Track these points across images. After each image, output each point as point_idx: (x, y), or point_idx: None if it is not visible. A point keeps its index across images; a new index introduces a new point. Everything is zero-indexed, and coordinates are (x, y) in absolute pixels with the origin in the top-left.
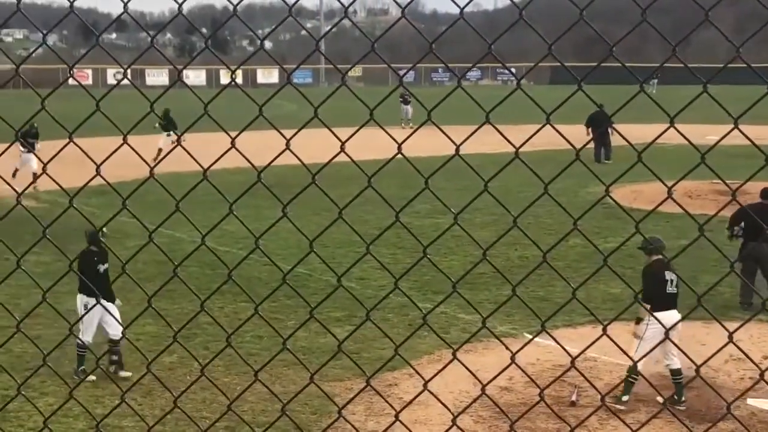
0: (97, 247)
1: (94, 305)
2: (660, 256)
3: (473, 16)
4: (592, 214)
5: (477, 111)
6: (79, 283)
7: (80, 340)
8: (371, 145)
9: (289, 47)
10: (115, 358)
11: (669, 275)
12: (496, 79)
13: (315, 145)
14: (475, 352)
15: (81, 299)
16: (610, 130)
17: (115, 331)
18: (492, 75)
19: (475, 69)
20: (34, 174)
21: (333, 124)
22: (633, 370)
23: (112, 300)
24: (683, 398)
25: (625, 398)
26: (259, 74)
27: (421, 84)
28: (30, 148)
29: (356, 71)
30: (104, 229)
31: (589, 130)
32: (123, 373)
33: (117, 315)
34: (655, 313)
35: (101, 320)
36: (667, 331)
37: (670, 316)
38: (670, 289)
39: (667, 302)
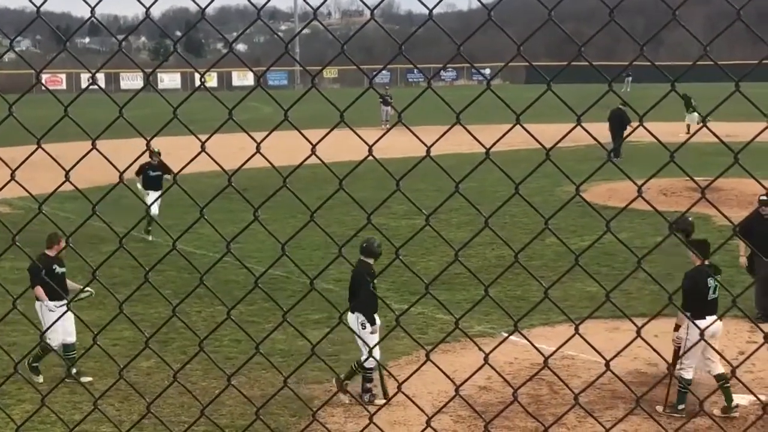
0: (375, 260)
1: (374, 324)
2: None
3: (447, 16)
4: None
5: (452, 111)
6: (353, 300)
7: (366, 364)
8: (347, 146)
9: (263, 49)
10: (368, 385)
11: (711, 282)
12: (472, 79)
13: (292, 148)
14: (453, 352)
15: (357, 318)
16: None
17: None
18: (467, 75)
19: (449, 69)
20: (152, 217)
21: (310, 126)
22: (684, 381)
23: (371, 321)
24: (734, 404)
25: (681, 407)
26: (234, 77)
27: (397, 84)
28: (156, 186)
29: (332, 73)
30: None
31: (609, 127)
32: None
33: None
34: (696, 321)
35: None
36: (702, 338)
37: (711, 323)
38: (712, 295)
39: (709, 309)
